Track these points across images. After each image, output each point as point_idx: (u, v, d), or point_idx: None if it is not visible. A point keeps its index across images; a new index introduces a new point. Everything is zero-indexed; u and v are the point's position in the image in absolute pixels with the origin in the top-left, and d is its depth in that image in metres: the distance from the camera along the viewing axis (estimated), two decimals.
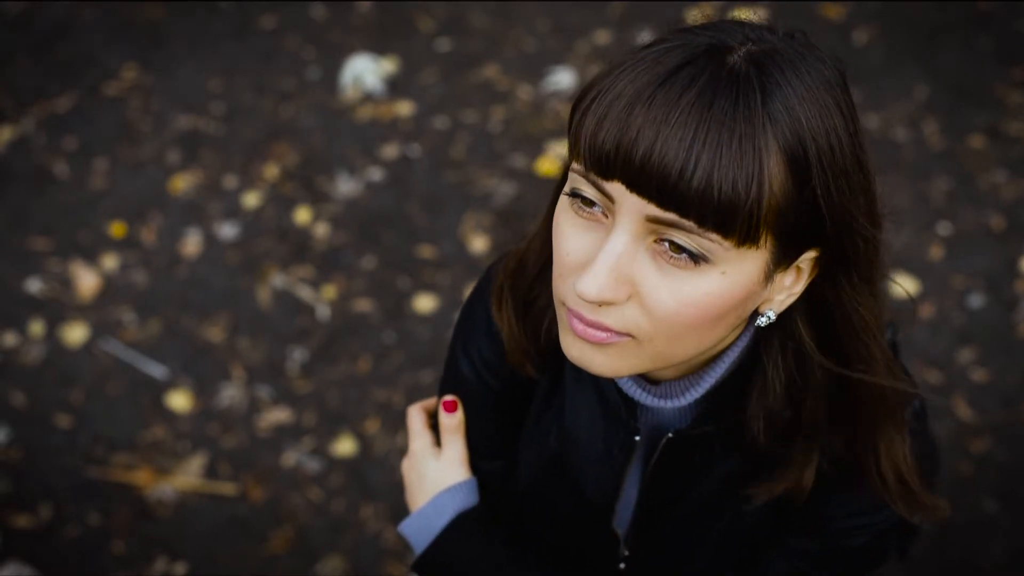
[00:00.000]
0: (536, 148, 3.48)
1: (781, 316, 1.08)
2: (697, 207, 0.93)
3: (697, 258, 0.96)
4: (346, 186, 3.41)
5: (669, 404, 1.18)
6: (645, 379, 1.19)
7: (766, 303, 1.05)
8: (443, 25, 3.83)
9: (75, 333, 3.12)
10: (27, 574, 2.71)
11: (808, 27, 1.05)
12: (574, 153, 1.00)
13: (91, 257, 3.28)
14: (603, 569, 1.39)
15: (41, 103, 3.67)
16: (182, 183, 3.44)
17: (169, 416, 2.97)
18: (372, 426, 2.94)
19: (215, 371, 3.04)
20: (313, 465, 2.88)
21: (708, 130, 0.92)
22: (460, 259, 3.23)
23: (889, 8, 3.76)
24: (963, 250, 3.16)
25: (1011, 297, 3.06)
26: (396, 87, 3.67)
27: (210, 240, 3.31)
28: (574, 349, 1.05)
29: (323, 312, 3.15)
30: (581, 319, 1.02)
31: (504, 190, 3.38)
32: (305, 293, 3.19)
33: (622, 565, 1.37)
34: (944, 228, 3.21)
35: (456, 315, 1.39)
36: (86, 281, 3.23)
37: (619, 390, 1.20)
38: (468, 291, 1.42)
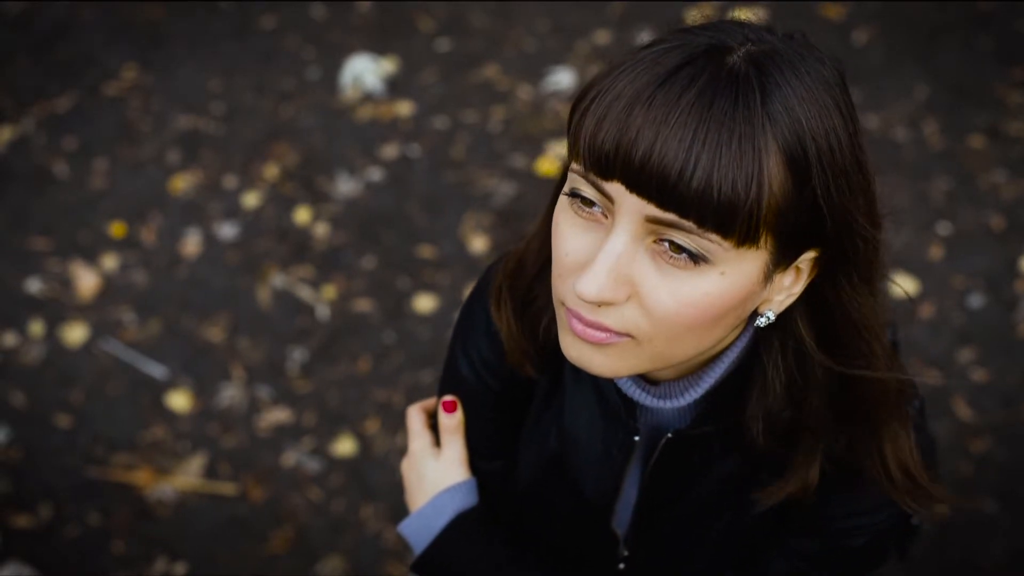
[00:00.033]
0: (536, 148, 3.48)
1: (781, 316, 1.08)
2: (697, 207, 0.93)
3: (697, 258, 0.96)
4: (346, 186, 3.41)
5: (668, 404, 1.18)
6: (644, 379, 1.19)
7: (765, 303, 1.05)
8: (443, 25, 3.83)
9: (75, 333, 3.12)
10: (27, 574, 2.71)
11: (808, 27, 1.05)
12: (573, 153, 1.00)
13: (91, 257, 3.28)
14: (602, 569, 1.39)
15: (41, 103, 3.67)
16: (182, 183, 3.44)
17: (169, 416, 2.97)
18: (372, 426, 2.94)
19: (215, 371, 3.04)
20: (313, 465, 2.88)
21: (708, 130, 0.92)
22: (460, 259, 3.23)
23: (889, 8, 3.76)
24: (963, 250, 3.16)
25: (1011, 297, 3.06)
26: (396, 87, 3.67)
27: (210, 240, 3.31)
28: (573, 349, 1.05)
29: (323, 312, 3.15)
30: (580, 319, 1.02)
31: (504, 190, 3.38)
32: (305, 293, 3.19)
33: (621, 565, 1.37)
34: (944, 228, 3.21)
35: (456, 315, 1.39)
36: (86, 281, 3.23)
37: (618, 390, 1.20)
38: (468, 291, 1.43)
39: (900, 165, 3.34)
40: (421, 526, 1.37)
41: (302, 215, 3.35)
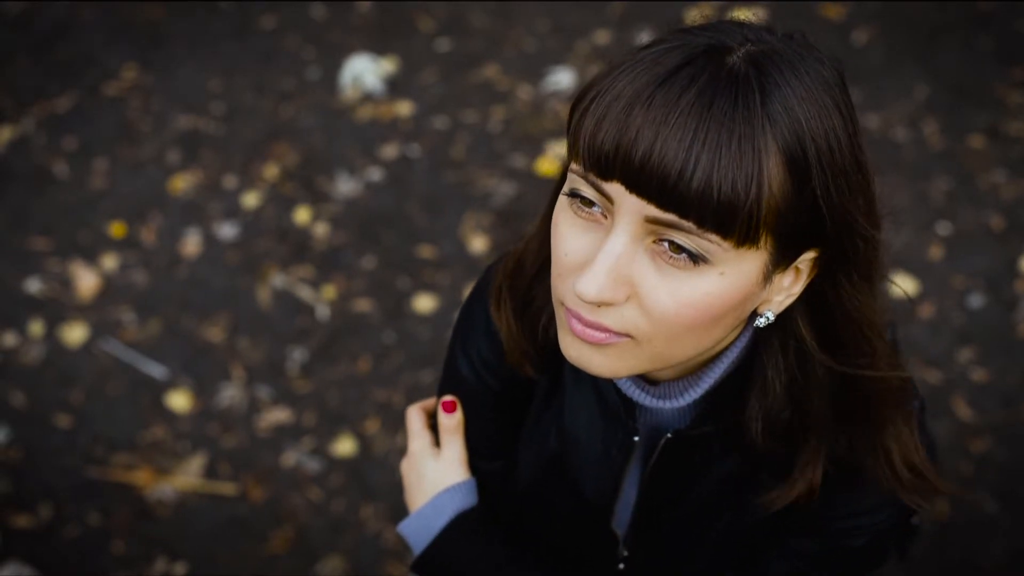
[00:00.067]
0: (536, 148, 3.48)
1: (780, 316, 1.08)
2: (696, 208, 0.93)
3: (696, 258, 0.96)
4: (346, 186, 3.41)
5: (668, 405, 1.18)
6: (644, 380, 1.19)
7: (765, 304, 1.05)
8: (443, 25, 3.83)
9: (75, 333, 3.12)
10: (27, 574, 2.71)
11: (808, 27, 1.05)
12: (573, 153, 1.00)
13: (91, 257, 3.28)
14: (602, 569, 1.39)
15: (41, 103, 3.67)
16: (182, 183, 3.44)
17: (169, 416, 2.97)
18: (372, 426, 2.94)
19: (215, 371, 3.04)
20: (313, 465, 2.88)
21: (707, 131, 0.92)
22: (460, 259, 3.23)
23: (889, 8, 3.76)
24: (963, 250, 3.16)
25: (1011, 297, 3.06)
26: (396, 87, 3.67)
27: (210, 240, 3.31)
28: (573, 349, 1.05)
29: (323, 312, 3.15)
30: (580, 319, 1.02)
31: (504, 190, 3.38)
32: (305, 293, 3.19)
33: (621, 565, 1.37)
34: (944, 228, 3.21)
35: (456, 315, 1.39)
36: (86, 281, 3.23)
37: (618, 390, 1.20)
38: (468, 291, 1.42)
39: (900, 165, 3.34)
40: (421, 526, 1.37)
41: (302, 215, 3.35)
